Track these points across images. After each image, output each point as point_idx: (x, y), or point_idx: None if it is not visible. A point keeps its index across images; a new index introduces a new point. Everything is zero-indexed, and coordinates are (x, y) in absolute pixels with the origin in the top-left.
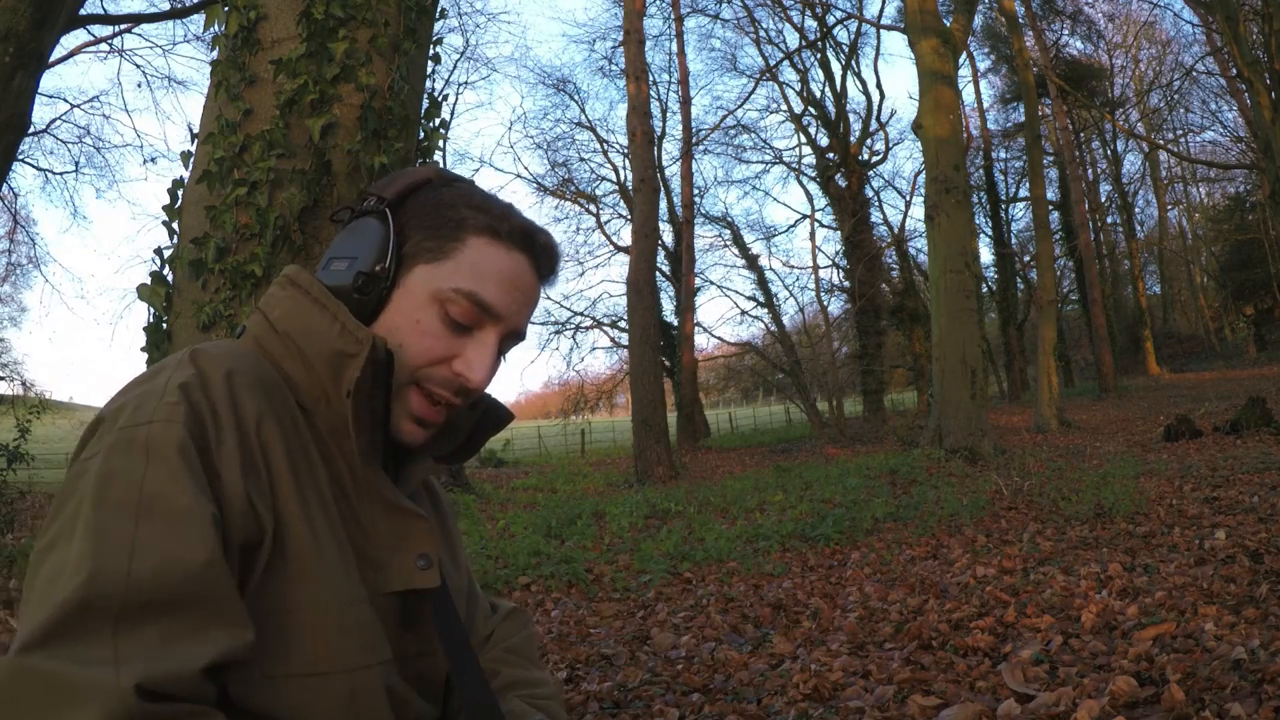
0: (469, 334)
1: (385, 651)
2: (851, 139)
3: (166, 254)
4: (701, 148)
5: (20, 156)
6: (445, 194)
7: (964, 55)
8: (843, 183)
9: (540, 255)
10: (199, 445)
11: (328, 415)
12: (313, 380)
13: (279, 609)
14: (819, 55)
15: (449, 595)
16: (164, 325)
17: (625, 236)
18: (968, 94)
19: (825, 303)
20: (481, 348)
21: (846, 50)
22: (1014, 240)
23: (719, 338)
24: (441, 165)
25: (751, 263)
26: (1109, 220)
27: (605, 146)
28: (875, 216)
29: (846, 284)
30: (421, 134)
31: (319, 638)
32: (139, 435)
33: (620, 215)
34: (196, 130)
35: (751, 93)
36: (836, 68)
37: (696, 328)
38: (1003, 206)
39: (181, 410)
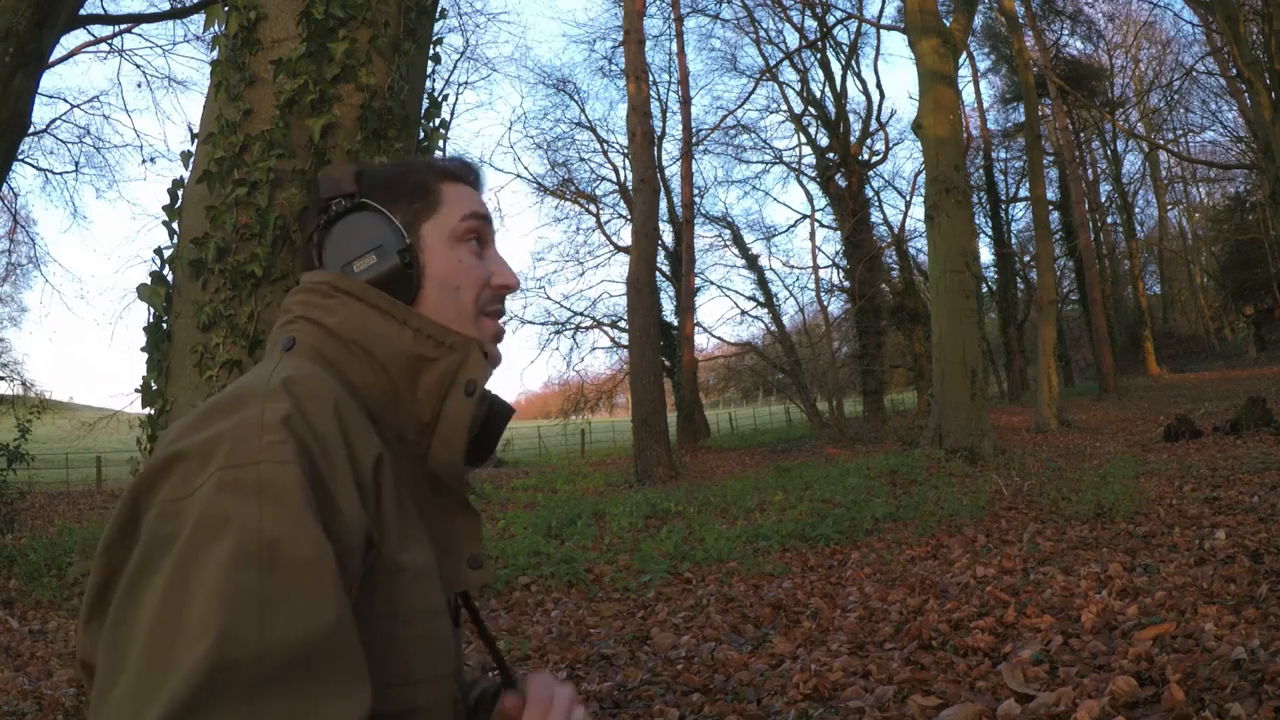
0: (486, 251)
1: (455, 659)
2: (851, 139)
3: (166, 254)
4: (701, 148)
5: (20, 156)
6: (386, 171)
7: (964, 55)
8: (843, 183)
9: (480, 178)
10: (314, 483)
11: (396, 418)
12: (384, 385)
13: (375, 617)
14: (819, 55)
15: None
16: (164, 325)
17: (625, 236)
18: (968, 94)
19: (825, 303)
20: (499, 256)
21: (846, 50)
22: (1014, 240)
23: (719, 338)
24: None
25: (751, 263)
26: (1109, 220)
27: (605, 146)
28: (875, 216)
29: (846, 284)
30: (421, 134)
31: (411, 648)
32: (248, 477)
33: (620, 215)
34: (196, 130)
35: (751, 93)
36: (836, 68)
37: (696, 328)
38: (1003, 206)
39: (291, 448)
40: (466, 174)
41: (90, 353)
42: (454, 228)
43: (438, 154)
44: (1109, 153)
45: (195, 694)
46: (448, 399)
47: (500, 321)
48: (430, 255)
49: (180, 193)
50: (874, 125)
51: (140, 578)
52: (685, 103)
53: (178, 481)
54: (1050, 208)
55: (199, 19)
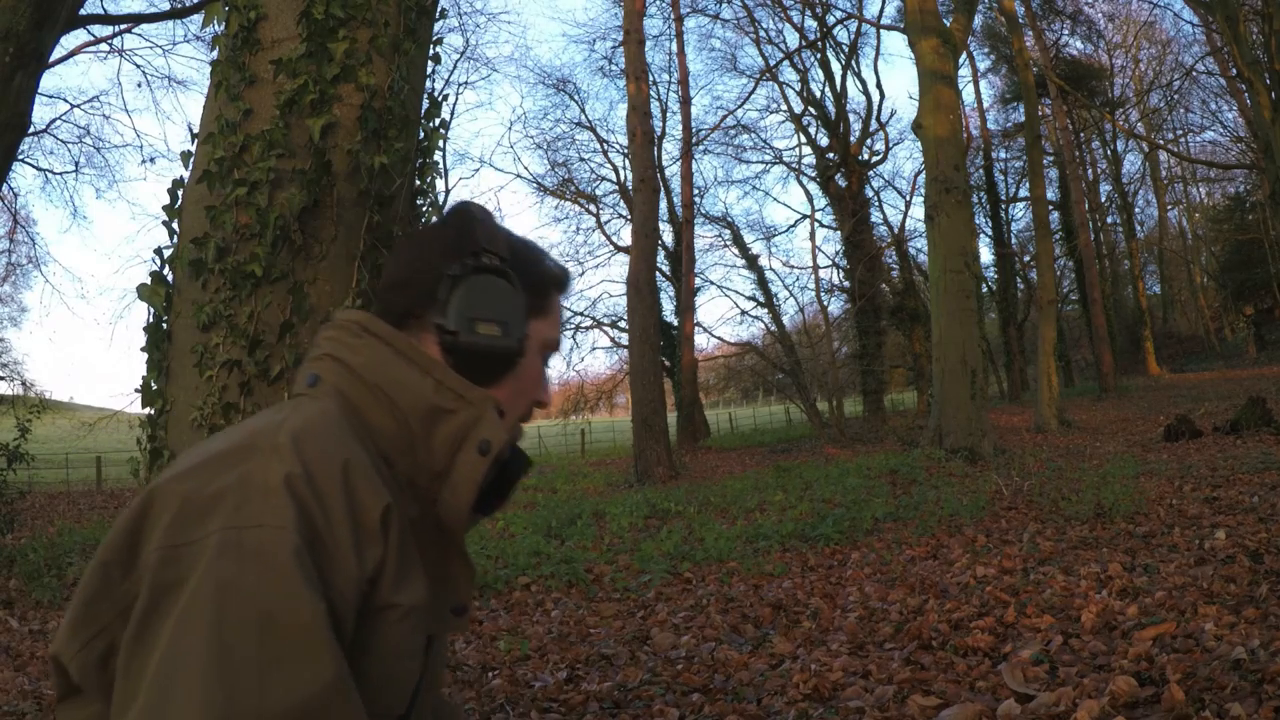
0: (546, 367)
1: (433, 688)
2: (851, 139)
3: (166, 254)
4: (701, 148)
5: (20, 156)
6: (527, 250)
7: (964, 55)
8: (843, 183)
9: (568, 293)
10: (311, 546)
11: (410, 465)
12: (401, 431)
13: (352, 650)
14: (819, 55)
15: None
16: (164, 325)
17: (625, 236)
18: (968, 94)
19: (825, 303)
20: (548, 376)
21: (846, 50)
22: (1014, 240)
23: (719, 338)
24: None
25: (751, 263)
26: (1109, 220)
27: (605, 146)
28: (875, 216)
29: (846, 284)
30: (421, 134)
31: (375, 686)
32: (247, 541)
33: (620, 215)
34: (196, 130)
35: (751, 93)
36: (836, 68)
37: (696, 328)
38: (1003, 206)
39: (290, 513)
40: (567, 288)
41: (90, 353)
42: (547, 339)
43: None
44: (1109, 153)
45: None
46: (460, 453)
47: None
48: (526, 352)
49: (180, 193)
50: (874, 125)
51: (145, 631)
52: (685, 103)
53: (179, 526)
54: (1050, 208)
55: (199, 19)
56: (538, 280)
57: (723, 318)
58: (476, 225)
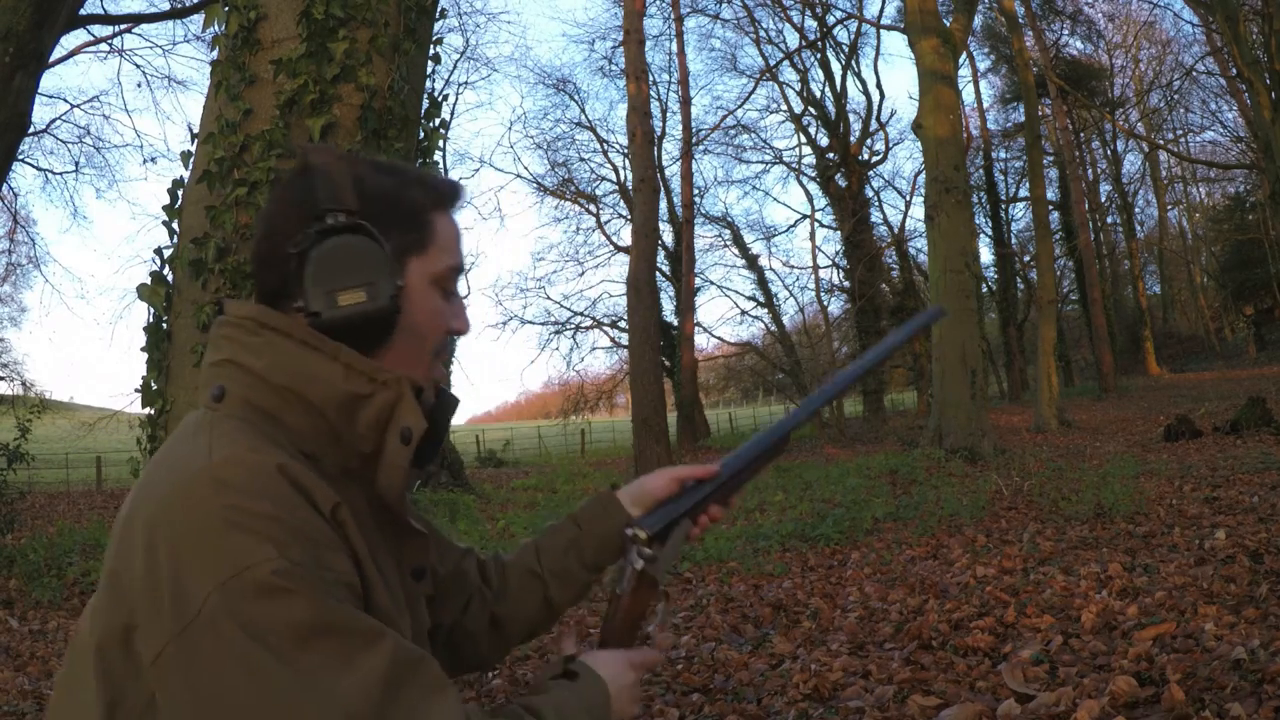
0: (452, 295)
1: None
2: (851, 139)
3: (166, 254)
4: (701, 148)
5: (20, 156)
6: (383, 185)
7: (964, 55)
8: (843, 183)
9: (461, 203)
10: (297, 562)
11: (339, 455)
12: (322, 427)
13: None
14: (819, 55)
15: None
16: (164, 325)
17: (625, 236)
18: (968, 94)
19: (825, 303)
20: (460, 300)
21: (846, 50)
22: (1014, 240)
23: (719, 338)
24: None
25: (751, 263)
26: (1109, 220)
27: (605, 146)
28: (875, 216)
29: (846, 284)
30: (421, 134)
31: None
32: (245, 585)
33: (620, 215)
34: (196, 130)
35: (751, 93)
36: (836, 68)
37: (696, 328)
38: (1003, 206)
39: (269, 548)
40: (456, 201)
41: (90, 353)
42: (437, 273)
43: (436, 161)
44: (1109, 153)
45: None
46: (387, 435)
47: (445, 367)
48: (409, 298)
49: (180, 193)
50: (874, 125)
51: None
52: (685, 103)
53: (176, 610)
54: (1050, 208)
55: (199, 19)
56: (406, 215)
57: (723, 318)
58: (317, 183)
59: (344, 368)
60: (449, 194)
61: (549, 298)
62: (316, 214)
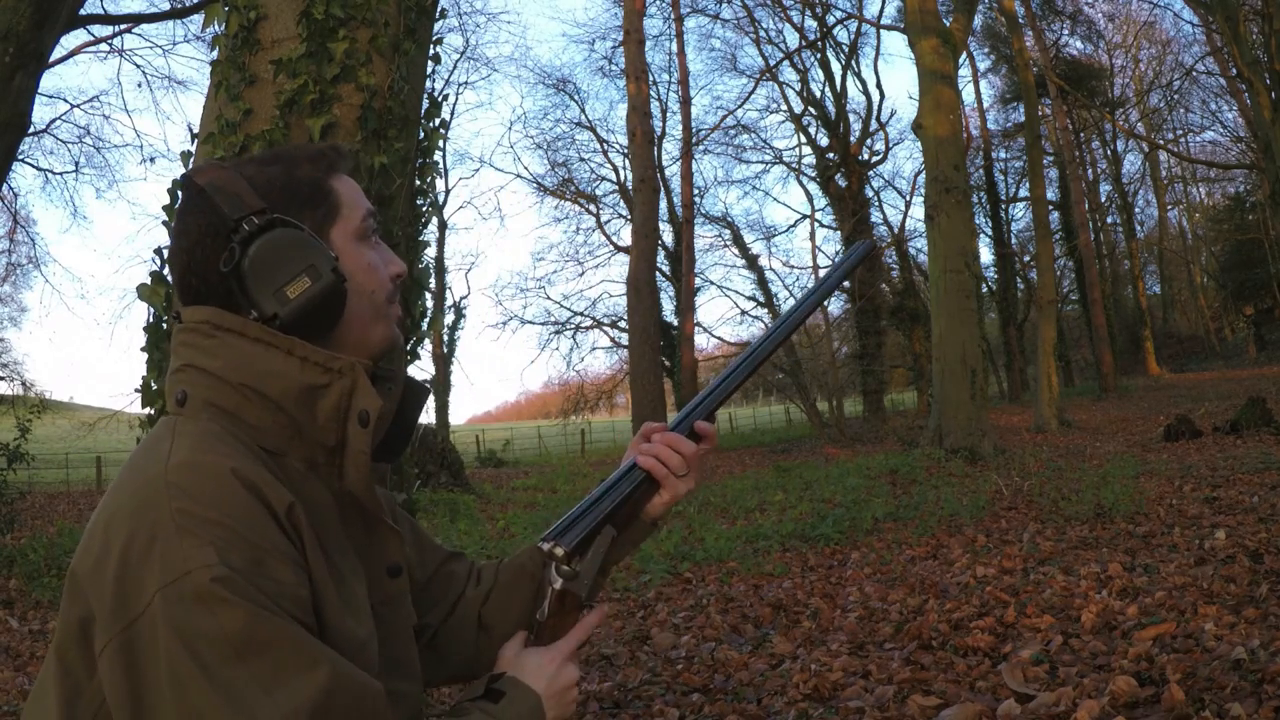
0: (375, 244)
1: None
2: (851, 139)
3: (166, 254)
4: (701, 148)
5: (20, 156)
6: (273, 176)
7: (964, 55)
8: (843, 183)
9: (346, 162)
10: (248, 563)
11: (303, 449)
12: (282, 421)
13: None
14: (819, 55)
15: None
16: (164, 325)
17: (625, 236)
18: (968, 94)
19: (825, 303)
20: (384, 246)
21: (846, 50)
22: (1014, 240)
23: (719, 338)
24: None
25: (751, 263)
26: (1109, 220)
27: (605, 146)
28: (875, 216)
29: (846, 284)
30: (421, 134)
31: (358, 660)
32: (185, 590)
33: (620, 215)
34: (196, 130)
35: (751, 93)
36: (836, 68)
37: (696, 328)
38: (1003, 206)
39: (211, 550)
40: (343, 162)
41: (90, 353)
42: (357, 228)
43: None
44: (1109, 153)
45: None
46: (347, 425)
47: (394, 306)
48: (346, 263)
49: (180, 193)
50: (874, 125)
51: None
52: (685, 103)
53: (119, 607)
54: (1050, 208)
55: (199, 19)
56: (307, 193)
57: (723, 318)
58: (217, 199)
59: (299, 360)
60: (333, 157)
61: (549, 298)
62: (231, 228)
